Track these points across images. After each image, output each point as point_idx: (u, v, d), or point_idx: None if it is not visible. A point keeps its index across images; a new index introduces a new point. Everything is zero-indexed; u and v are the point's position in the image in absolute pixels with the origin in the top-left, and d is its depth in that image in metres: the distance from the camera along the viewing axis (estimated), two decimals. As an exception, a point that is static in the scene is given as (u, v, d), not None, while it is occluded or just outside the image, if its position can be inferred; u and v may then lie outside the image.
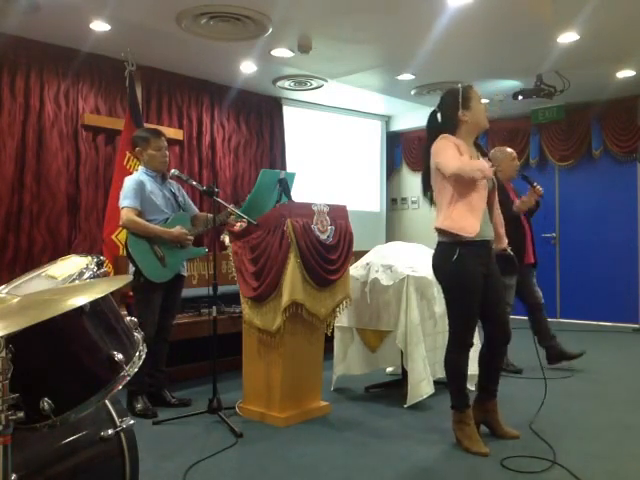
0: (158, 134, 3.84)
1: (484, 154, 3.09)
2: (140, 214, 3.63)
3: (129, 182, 3.69)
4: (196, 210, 4.04)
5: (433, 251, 3.10)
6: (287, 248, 3.35)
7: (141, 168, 3.85)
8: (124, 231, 3.80)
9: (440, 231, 2.99)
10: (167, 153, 3.85)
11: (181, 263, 3.78)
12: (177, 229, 3.68)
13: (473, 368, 3.22)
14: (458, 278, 2.93)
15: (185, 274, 3.89)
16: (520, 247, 4.37)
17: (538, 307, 4.73)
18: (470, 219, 2.88)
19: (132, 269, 3.62)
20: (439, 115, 3.09)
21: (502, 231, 3.23)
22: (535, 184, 4.63)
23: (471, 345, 3.02)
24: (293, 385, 3.51)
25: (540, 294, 4.77)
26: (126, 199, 3.63)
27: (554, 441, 3.02)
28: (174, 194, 3.86)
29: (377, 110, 8.41)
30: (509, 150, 4.80)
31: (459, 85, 3.06)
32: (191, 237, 3.74)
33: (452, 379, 3.05)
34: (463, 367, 3.02)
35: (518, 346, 4.71)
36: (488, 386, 3.13)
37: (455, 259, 2.90)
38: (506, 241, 3.25)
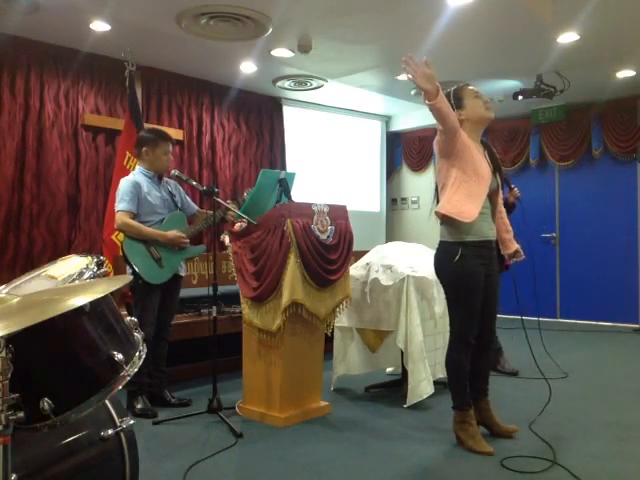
0: (167, 139, 3.85)
1: (490, 151, 3.10)
2: (135, 217, 3.64)
3: (124, 184, 3.68)
4: (195, 208, 4.04)
5: (435, 251, 3.10)
6: (287, 248, 3.35)
7: (138, 168, 3.83)
8: (123, 232, 3.80)
9: (441, 222, 2.99)
10: (172, 158, 3.87)
11: (179, 263, 3.78)
12: (172, 232, 3.67)
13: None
14: (460, 278, 2.93)
15: (183, 274, 3.89)
16: None
17: None
18: (469, 205, 2.87)
19: (130, 271, 3.62)
20: None
21: (507, 236, 3.20)
22: (513, 186, 4.64)
23: (471, 345, 3.01)
24: (293, 385, 3.51)
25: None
26: (121, 202, 3.63)
27: (554, 441, 3.03)
28: (171, 193, 3.86)
29: (377, 110, 8.41)
30: None
31: (451, 88, 3.06)
32: (187, 239, 3.74)
33: (453, 379, 3.05)
34: (464, 366, 3.02)
35: (512, 347, 4.73)
36: (479, 386, 3.13)
37: (457, 259, 2.89)
38: (514, 247, 3.20)
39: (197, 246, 3.96)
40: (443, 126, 2.83)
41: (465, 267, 2.90)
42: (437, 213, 2.98)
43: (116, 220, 3.65)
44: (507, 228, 3.22)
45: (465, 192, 2.88)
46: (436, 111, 2.76)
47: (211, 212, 3.64)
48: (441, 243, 3.02)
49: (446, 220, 2.94)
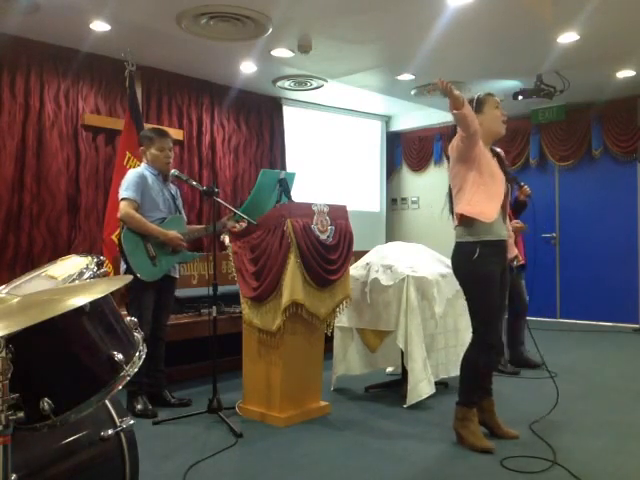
0: (163, 135, 3.84)
1: (500, 159, 3.15)
2: (139, 208, 3.63)
3: (131, 174, 3.71)
4: (186, 219, 4.04)
5: (452, 252, 3.12)
6: (287, 248, 3.35)
7: (143, 164, 3.84)
8: (123, 229, 3.79)
9: (460, 221, 3.02)
10: (171, 154, 3.83)
11: (172, 265, 3.78)
12: (173, 232, 3.68)
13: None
14: (478, 276, 2.96)
15: (177, 276, 3.88)
16: None
17: (523, 311, 4.73)
18: (488, 205, 2.95)
19: (123, 267, 3.62)
20: None
21: (510, 241, 3.24)
22: (522, 184, 4.64)
23: (493, 346, 3.01)
24: (293, 385, 3.51)
25: (527, 298, 4.77)
26: (127, 190, 3.63)
27: (554, 441, 3.02)
28: (173, 196, 3.86)
29: (377, 110, 8.41)
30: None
31: (477, 94, 3.14)
32: (184, 243, 3.74)
33: (467, 377, 3.07)
34: (481, 367, 3.03)
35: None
36: (482, 385, 3.13)
37: (475, 258, 2.94)
38: (514, 251, 3.25)
39: (191, 252, 3.96)
40: (467, 132, 2.90)
41: (483, 265, 2.95)
42: (458, 214, 3.03)
43: (120, 209, 3.63)
44: (509, 233, 3.26)
45: (484, 194, 2.97)
46: (462, 118, 2.83)
47: (209, 225, 3.64)
48: (458, 244, 3.06)
49: (464, 221, 3.00)
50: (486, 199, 2.96)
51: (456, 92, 2.76)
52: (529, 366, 4.67)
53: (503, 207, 3.09)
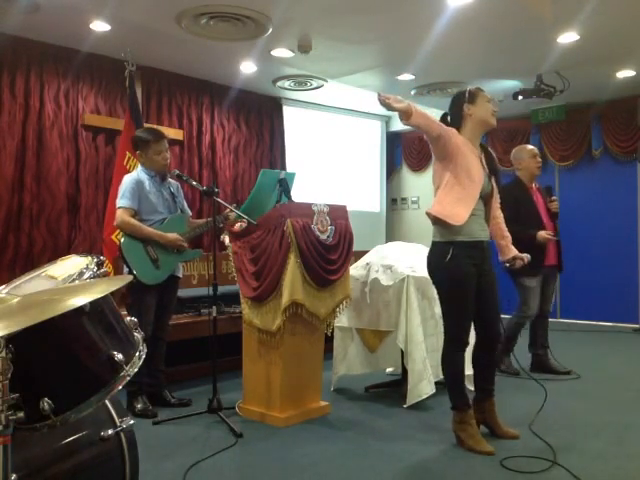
0: (159, 137, 3.80)
1: (488, 155, 3.11)
2: (136, 214, 3.63)
3: (127, 181, 3.69)
4: (190, 214, 4.04)
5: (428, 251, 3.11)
6: (287, 248, 3.35)
7: (140, 167, 3.83)
8: (123, 231, 3.79)
9: (433, 222, 3.00)
10: (168, 155, 3.81)
11: (175, 265, 3.77)
12: (172, 235, 3.67)
13: (468, 368, 3.22)
14: (451, 278, 2.94)
15: (180, 275, 3.88)
16: (540, 249, 4.27)
17: (544, 316, 4.69)
18: (459, 208, 2.90)
19: (126, 270, 3.62)
20: (449, 118, 3.13)
21: (503, 242, 3.19)
22: (552, 199, 4.63)
23: (466, 344, 3.02)
24: (293, 385, 3.51)
25: (551, 303, 4.72)
26: (123, 198, 3.63)
27: (554, 441, 3.02)
28: (173, 194, 3.85)
29: (377, 110, 8.41)
30: (529, 147, 4.75)
31: (468, 87, 3.12)
32: (185, 243, 3.73)
33: (450, 379, 3.06)
34: (460, 366, 3.02)
35: (518, 347, 4.72)
36: (483, 386, 3.13)
37: (448, 259, 2.91)
38: (512, 253, 3.18)
39: (194, 250, 3.96)
40: (428, 136, 2.92)
41: (456, 267, 2.92)
42: (428, 214, 3.00)
43: (116, 217, 3.65)
44: (503, 234, 3.20)
45: (456, 195, 2.92)
46: (416, 127, 2.86)
47: (210, 218, 3.62)
48: (433, 243, 3.04)
49: (437, 221, 2.97)
50: (458, 200, 2.91)
51: (399, 105, 2.74)
52: (551, 372, 4.50)
53: (488, 207, 3.04)
